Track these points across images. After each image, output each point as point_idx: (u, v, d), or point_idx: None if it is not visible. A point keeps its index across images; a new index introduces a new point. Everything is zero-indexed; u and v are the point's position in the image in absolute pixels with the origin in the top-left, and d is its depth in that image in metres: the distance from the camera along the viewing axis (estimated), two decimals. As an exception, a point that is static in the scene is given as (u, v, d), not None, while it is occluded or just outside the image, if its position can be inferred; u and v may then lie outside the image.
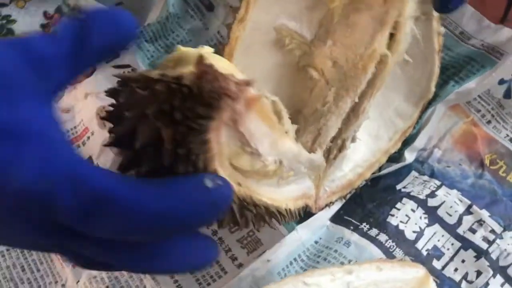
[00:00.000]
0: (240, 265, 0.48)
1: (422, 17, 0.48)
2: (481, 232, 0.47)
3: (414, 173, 0.53)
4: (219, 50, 0.46)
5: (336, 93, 0.47)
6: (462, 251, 0.47)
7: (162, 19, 0.64)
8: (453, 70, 0.55)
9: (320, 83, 0.47)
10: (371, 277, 0.41)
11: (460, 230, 0.48)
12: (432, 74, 0.52)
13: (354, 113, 0.47)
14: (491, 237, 0.47)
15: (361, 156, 0.51)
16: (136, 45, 0.62)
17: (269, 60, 0.48)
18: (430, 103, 0.53)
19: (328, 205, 0.50)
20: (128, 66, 0.60)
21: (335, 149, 0.48)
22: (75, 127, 0.57)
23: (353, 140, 0.50)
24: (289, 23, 0.47)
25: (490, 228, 0.47)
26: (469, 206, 0.49)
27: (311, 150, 0.47)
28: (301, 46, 0.48)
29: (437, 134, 0.54)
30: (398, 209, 0.49)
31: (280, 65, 0.49)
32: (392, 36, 0.46)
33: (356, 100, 0.47)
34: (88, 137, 0.56)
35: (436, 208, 0.49)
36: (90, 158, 0.54)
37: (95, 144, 0.55)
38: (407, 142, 0.53)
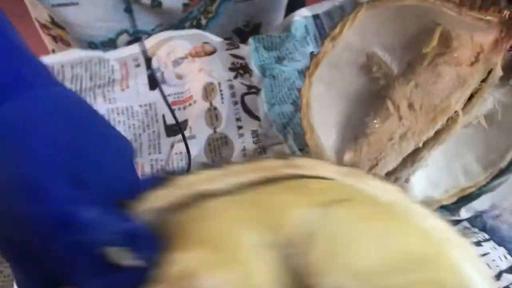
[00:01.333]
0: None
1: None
2: (516, 295, 0.46)
3: (465, 223, 0.53)
4: (312, 58, 0.50)
5: (404, 133, 0.49)
6: (490, 306, 0.47)
7: (283, 35, 0.71)
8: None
9: (394, 117, 0.50)
10: None
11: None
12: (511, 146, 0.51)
13: (412, 157, 0.49)
14: (526, 303, 0.46)
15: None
16: (254, 47, 0.69)
17: (352, 80, 0.51)
18: (502, 172, 0.52)
19: None
20: (242, 58, 0.68)
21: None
22: (182, 93, 0.65)
23: (407, 181, 0.51)
24: (381, 54, 0.50)
25: (528, 295, 0.46)
26: (514, 266, 0.48)
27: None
28: (387, 77, 0.50)
29: (504, 205, 0.53)
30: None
31: (361, 88, 0.51)
32: (471, 97, 0.47)
33: (420, 145, 0.48)
34: (190, 104, 0.64)
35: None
36: (186, 121, 0.63)
37: (194, 112, 0.63)
38: (468, 199, 0.53)
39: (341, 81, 0.51)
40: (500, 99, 0.49)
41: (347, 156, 0.52)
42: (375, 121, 0.51)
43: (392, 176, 0.51)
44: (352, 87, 0.52)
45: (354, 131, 0.53)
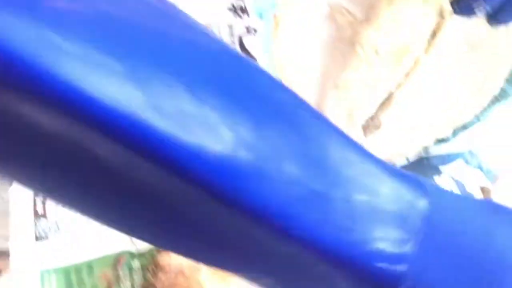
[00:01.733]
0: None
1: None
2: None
3: (460, 162, 0.52)
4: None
5: (375, 78, 0.48)
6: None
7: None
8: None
9: (364, 63, 0.48)
10: None
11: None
12: (505, 68, 0.49)
13: (389, 101, 0.49)
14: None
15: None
16: None
17: (320, 32, 0.50)
18: (497, 100, 0.50)
19: None
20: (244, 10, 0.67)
21: (372, 127, 0.51)
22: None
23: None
24: (343, 1, 0.48)
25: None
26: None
27: (347, 125, 0.50)
28: (352, 24, 0.48)
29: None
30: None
31: (330, 38, 0.50)
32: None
33: (392, 90, 0.48)
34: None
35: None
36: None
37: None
38: (464, 127, 0.52)
39: (308, 36, 0.50)
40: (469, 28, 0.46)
41: (328, 108, 0.52)
42: (349, 69, 0.49)
43: (375, 120, 0.51)
44: (321, 39, 0.50)
45: (331, 81, 0.51)
